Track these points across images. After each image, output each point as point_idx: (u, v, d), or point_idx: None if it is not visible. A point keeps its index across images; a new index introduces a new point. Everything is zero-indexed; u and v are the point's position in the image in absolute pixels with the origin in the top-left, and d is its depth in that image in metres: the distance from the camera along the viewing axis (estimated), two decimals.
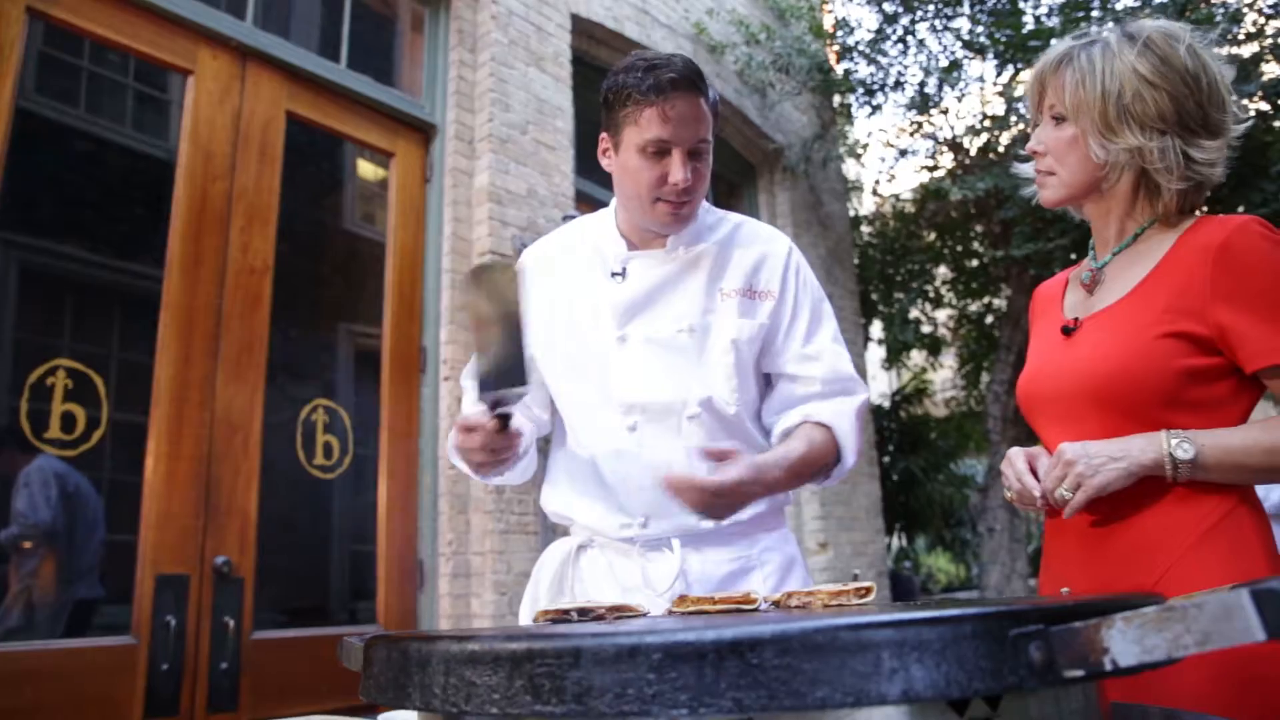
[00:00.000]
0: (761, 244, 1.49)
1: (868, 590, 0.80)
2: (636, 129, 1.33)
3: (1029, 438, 6.10)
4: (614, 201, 1.51)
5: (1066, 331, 1.28)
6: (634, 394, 1.37)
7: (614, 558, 1.39)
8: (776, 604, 0.87)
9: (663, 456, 1.35)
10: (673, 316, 1.41)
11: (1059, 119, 1.25)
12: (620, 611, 0.82)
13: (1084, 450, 1.12)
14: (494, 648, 0.54)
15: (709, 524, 1.35)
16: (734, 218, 1.53)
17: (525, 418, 1.50)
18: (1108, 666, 0.48)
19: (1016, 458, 1.25)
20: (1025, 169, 1.39)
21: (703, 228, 1.47)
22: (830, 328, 1.49)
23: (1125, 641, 0.48)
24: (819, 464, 1.37)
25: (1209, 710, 1.01)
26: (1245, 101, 4.64)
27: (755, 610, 0.82)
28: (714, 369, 1.39)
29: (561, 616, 0.81)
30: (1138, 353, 1.14)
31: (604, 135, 1.42)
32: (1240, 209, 4.83)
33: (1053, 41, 1.54)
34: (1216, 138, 1.20)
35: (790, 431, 1.40)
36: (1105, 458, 1.11)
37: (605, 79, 1.40)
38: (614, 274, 1.44)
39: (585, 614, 0.80)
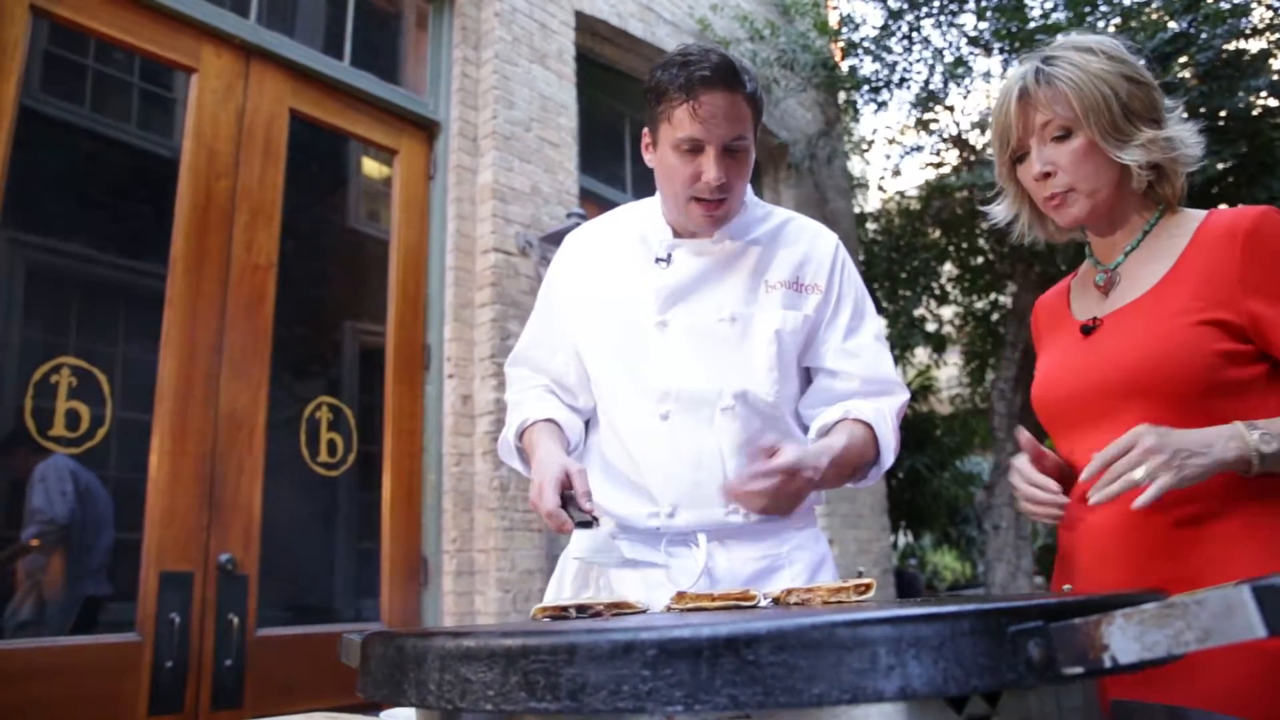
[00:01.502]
0: (809, 239, 1.48)
1: (867, 587, 0.79)
2: (670, 127, 1.33)
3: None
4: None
5: (1086, 331, 1.25)
6: (669, 381, 1.36)
7: (640, 551, 1.37)
8: (776, 601, 0.86)
9: (694, 447, 1.34)
10: (715, 305, 1.40)
11: (1064, 133, 1.23)
12: (619, 608, 0.82)
13: (1167, 439, 1.03)
14: (489, 644, 0.54)
15: (739, 518, 1.34)
16: (782, 213, 1.52)
17: (570, 410, 1.50)
18: (1107, 664, 0.48)
19: (1023, 465, 1.22)
20: (1000, 210, 1.37)
21: (751, 220, 1.46)
22: (873, 326, 1.48)
23: (1125, 638, 0.48)
24: (859, 462, 1.35)
25: (1243, 709, 0.98)
26: (1253, 98, 4.61)
27: (754, 607, 0.82)
28: (754, 360, 1.38)
29: (560, 613, 0.80)
30: (1172, 339, 1.12)
31: (645, 130, 1.42)
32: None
33: (1059, 36, 1.52)
34: (1172, 124, 1.24)
35: (830, 428, 1.37)
36: (1190, 451, 1.02)
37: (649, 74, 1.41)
38: (658, 260, 1.44)
39: (584, 611, 0.80)
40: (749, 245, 1.44)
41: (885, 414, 1.38)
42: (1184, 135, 1.23)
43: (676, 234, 1.45)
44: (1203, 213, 1.22)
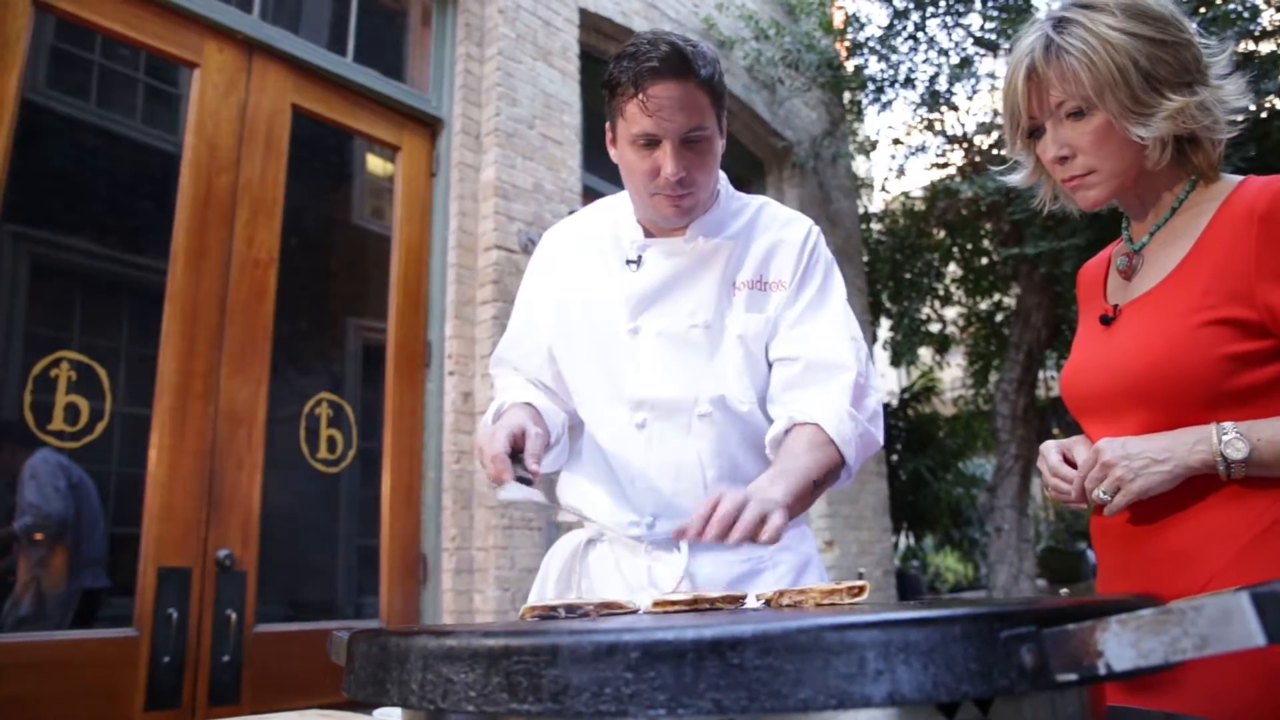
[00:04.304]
0: (777, 230, 1.41)
1: (860, 589, 0.78)
2: (624, 122, 1.28)
3: (1038, 437, 6.05)
4: None
5: (1105, 321, 1.19)
6: (644, 390, 1.33)
7: (622, 554, 1.36)
8: (768, 603, 0.85)
9: (672, 456, 1.31)
10: (687, 310, 1.35)
11: (1078, 113, 1.12)
12: (608, 608, 0.81)
13: (1124, 450, 1.04)
14: (471, 644, 0.53)
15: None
16: (756, 202, 1.46)
17: (555, 404, 1.44)
18: (1102, 670, 0.47)
19: (1049, 451, 1.17)
20: (1017, 180, 1.29)
21: (725, 215, 1.40)
22: (832, 309, 1.38)
23: (1120, 645, 0.46)
24: (822, 473, 1.22)
25: (1235, 716, 0.96)
26: (1263, 101, 4.59)
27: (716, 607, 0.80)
28: (726, 366, 1.34)
29: (549, 613, 0.79)
30: (1177, 344, 1.06)
31: (608, 125, 1.37)
32: None
33: None
34: (1216, 76, 1.12)
35: (779, 441, 1.27)
36: (1147, 459, 1.03)
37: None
38: (629, 262, 1.39)
39: (573, 611, 0.79)
40: (721, 244, 1.37)
41: (834, 406, 1.26)
42: (1224, 94, 1.11)
43: (648, 233, 1.40)
44: (1235, 181, 1.13)
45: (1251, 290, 1.03)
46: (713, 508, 1.03)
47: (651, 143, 1.27)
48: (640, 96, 1.24)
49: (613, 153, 1.38)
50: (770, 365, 1.38)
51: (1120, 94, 1.08)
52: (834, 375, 1.31)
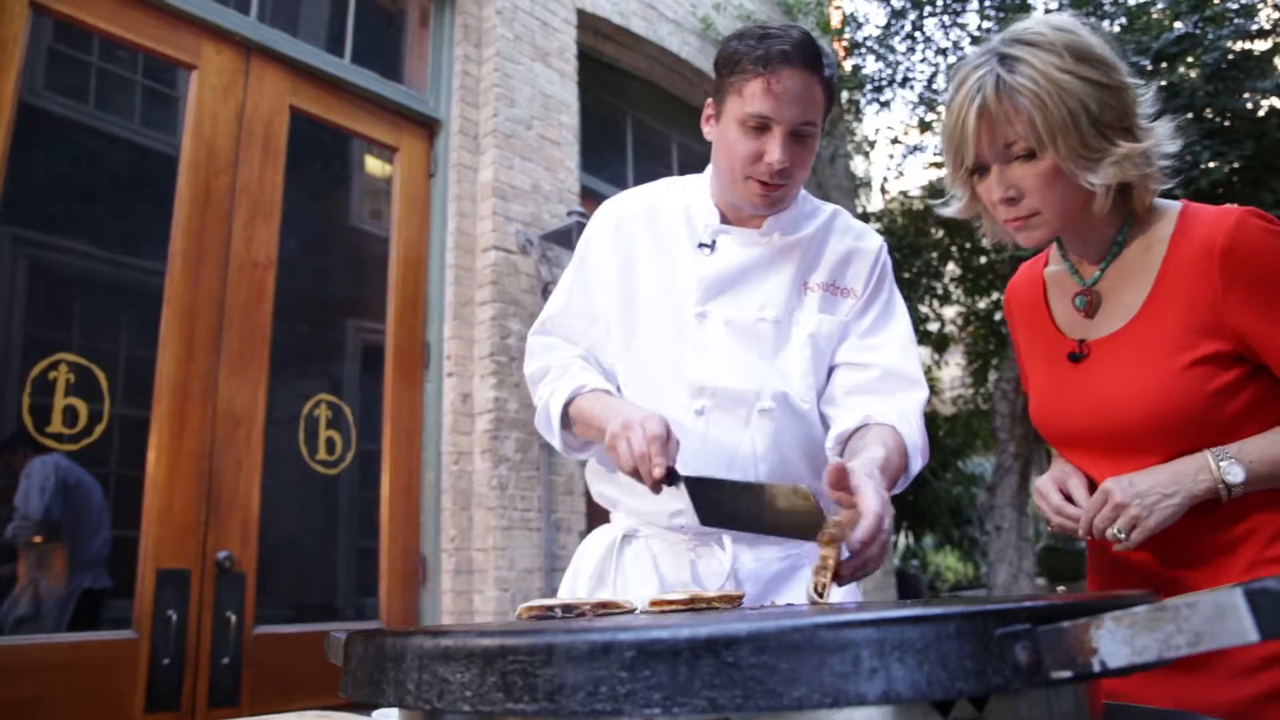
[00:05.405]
0: (852, 239, 1.41)
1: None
2: (739, 100, 1.26)
3: (1037, 437, 6.05)
4: (709, 169, 1.43)
5: (1074, 358, 1.19)
6: (707, 377, 1.30)
7: (660, 550, 1.33)
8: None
9: (728, 447, 1.29)
10: (757, 303, 1.34)
11: (1028, 155, 1.09)
12: (605, 608, 0.81)
13: (1133, 489, 1.06)
14: (466, 644, 0.53)
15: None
16: (829, 208, 1.46)
17: (602, 377, 1.40)
18: (1096, 668, 0.47)
19: (1049, 491, 1.18)
20: (952, 211, 1.26)
21: (801, 215, 1.40)
22: (899, 325, 1.40)
23: (1115, 642, 0.47)
24: (896, 473, 1.22)
25: None
26: (1259, 99, 4.59)
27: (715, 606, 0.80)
28: (791, 363, 1.33)
29: (545, 613, 0.79)
30: (1168, 386, 1.07)
31: (709, 101, 1.35)
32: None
33: None
34: (1145, 117, 1.12)
35: (849, 435, 1.27)
36: (1158, 495, 1.05)
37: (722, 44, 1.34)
38: (701, 245, 1.37)
39: (569, 610, 0.79)
40: (795, 243, 1.37)
41: (908, 415, 1.28)
42: (1160, 138, 1.11)
43: (724, 219, 1.39)
44: (1175, 209, 1.14)
45: (1220, 322, 1.06)
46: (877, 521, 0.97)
47: (762, 126, 1.26)
48: (768, 77, 1.23)
49: (708, 130, 1.36)
50: (831, 368, 1.38)
51: (1071, 139, 1.06)
52: (910, 389, 1.34)
